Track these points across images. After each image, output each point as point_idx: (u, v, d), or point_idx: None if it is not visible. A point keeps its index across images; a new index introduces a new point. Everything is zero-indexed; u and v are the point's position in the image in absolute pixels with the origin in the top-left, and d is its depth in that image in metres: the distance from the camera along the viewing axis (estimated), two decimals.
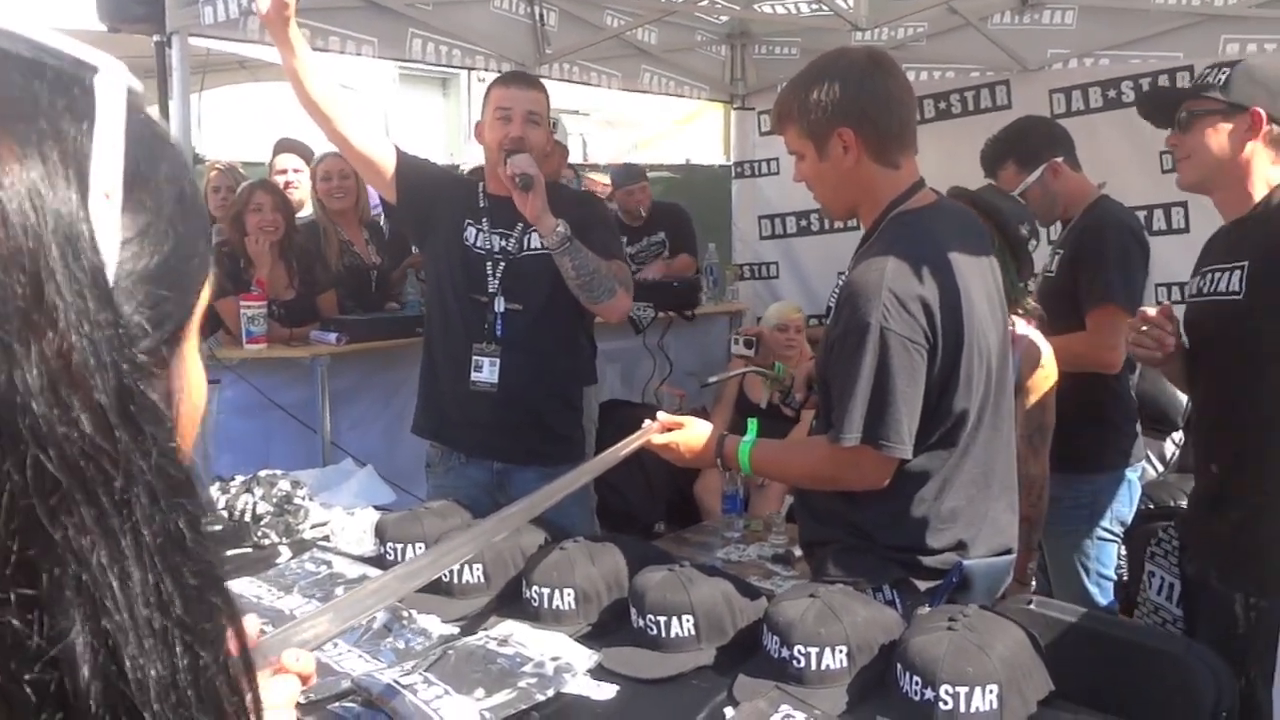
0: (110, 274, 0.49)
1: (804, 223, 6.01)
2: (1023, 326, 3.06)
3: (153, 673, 0.47)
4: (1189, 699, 1.76)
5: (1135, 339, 2.40)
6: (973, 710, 1.65)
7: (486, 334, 3.09)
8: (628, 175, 6.11)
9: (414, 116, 13.81)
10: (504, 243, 3.12)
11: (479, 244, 3.12)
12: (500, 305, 3.09)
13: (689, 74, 5.90)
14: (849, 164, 2.11)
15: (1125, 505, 3.33)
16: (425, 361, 3.31)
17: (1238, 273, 2.32)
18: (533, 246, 3.11)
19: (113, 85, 0.52)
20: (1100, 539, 3.29)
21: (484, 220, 3.14)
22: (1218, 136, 2.37)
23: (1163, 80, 4.69)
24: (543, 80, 5.17)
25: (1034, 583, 3.04)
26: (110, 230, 0.49)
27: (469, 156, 12.78)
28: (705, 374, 4.71)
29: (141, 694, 0.47)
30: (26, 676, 0.44)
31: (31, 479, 0.44)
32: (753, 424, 2.38)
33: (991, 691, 1.66)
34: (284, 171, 5.22)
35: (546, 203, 2.95)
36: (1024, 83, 5.20)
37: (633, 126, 17.10)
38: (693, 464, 2.45)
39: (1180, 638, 2.20)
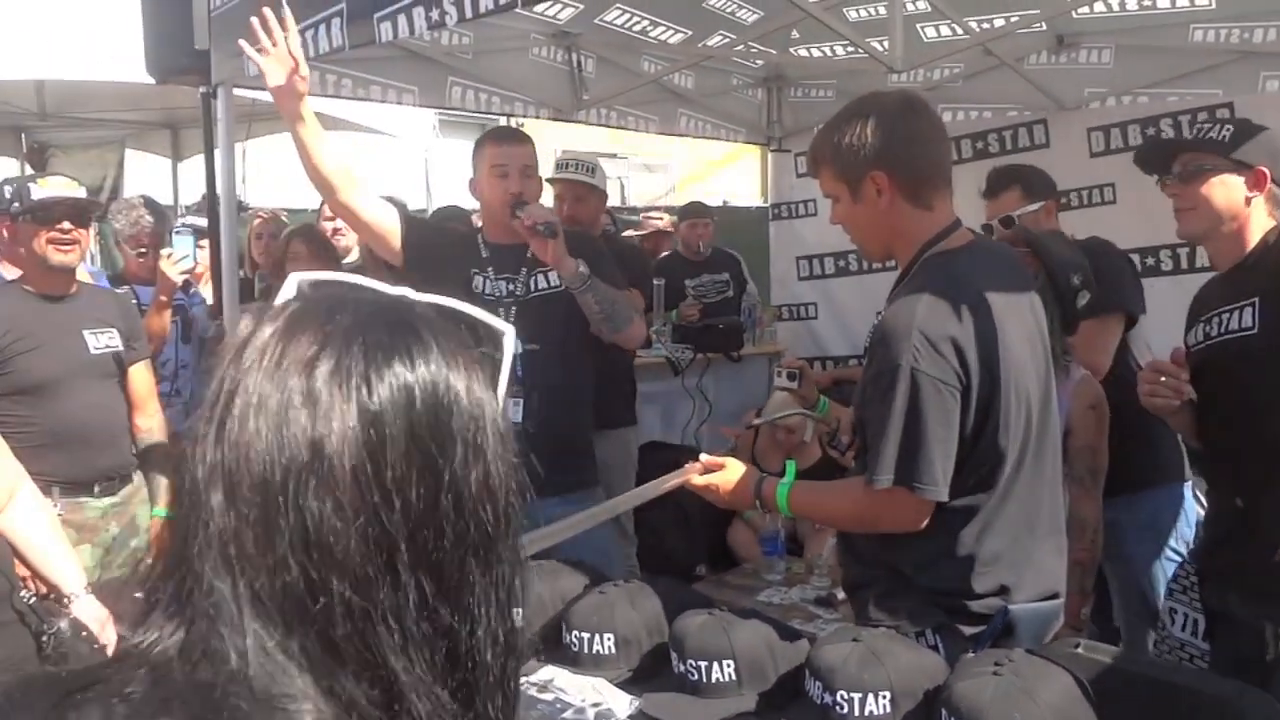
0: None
1: (842, 263, 6.00)
2: (1075, 368, 3.04)
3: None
4: None
5: (1150, 390, 2.39)
6: None
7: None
8: (692, 210, 6.51)
9: (452, 162, 14.01)
10: (511, 286, 3.24)
11: (488, 291, 3.22)
12: (518, 348, 3.11)
13: (725, 117, 5.93)
14: (883, 206, 2.12)
15: (1187, 523, 3.28)
16: None
17: (1249, 309, 2.39)
18: (539, 288, 3.25)
19: (509, 339, 0.88)
20: (1169, 559, 3.23)
21: (489, 268, 3.26)
22: (1224, 190, 2.44)
23: (1202, 117, 4.66)
24: (580, 124, 5.27)
25: (1086, 629, 2.99)
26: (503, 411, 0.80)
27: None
28: (745, 415, 4.71)
29: None
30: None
31: (453, 542, 0.73)
32: (790, 465, 2.37)
33: None
34: (332, 218, 5.29)
35: (565, 247, 3.08)
36: (1061, 121, 5.18)
37: (669, 170, 17.20)
38: (732, 505, 2.45)
39: (1233, 682, 2.15)
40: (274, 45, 2.76)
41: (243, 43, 2.82)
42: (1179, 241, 4.81)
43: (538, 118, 5.25)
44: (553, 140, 5.49)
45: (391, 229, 3.16)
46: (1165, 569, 3.21)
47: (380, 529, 0.70)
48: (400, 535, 0.70)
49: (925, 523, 2.05)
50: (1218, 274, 2.60)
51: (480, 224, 3.39)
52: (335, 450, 0.70)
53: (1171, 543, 3.25)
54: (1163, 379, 2.34)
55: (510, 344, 0.87)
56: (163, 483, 3.65)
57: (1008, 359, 2.04)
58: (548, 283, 3.24)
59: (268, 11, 2.76)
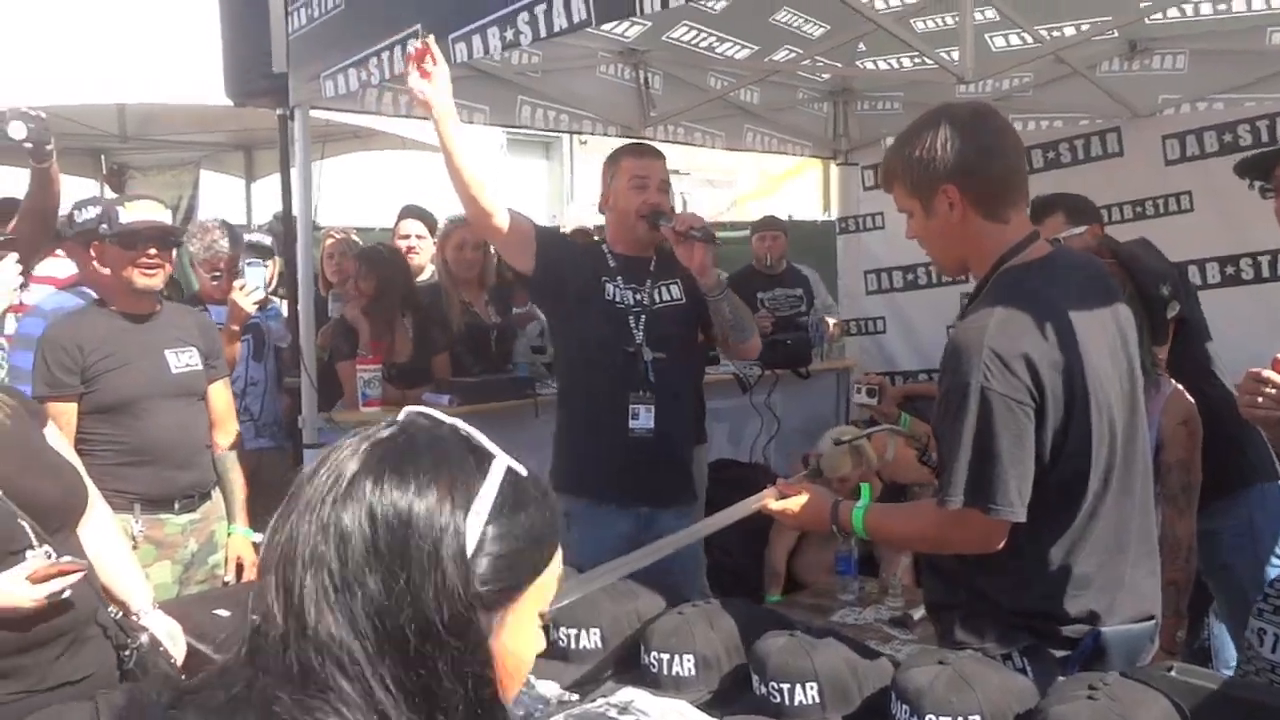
0: (469, 548, 0.95)
1: (910, 277, 5.94)
2: (1165, 383, 2.97)
3: None
4: None
5: (1250, 400, 2.30)
6: None
7: (640, 382, 3.28)
8: (764, 224, 6.53)
9: (519, 179, 14.14)
10: (638, 296, 3.36)
11: (619, 299, 3.34)
12: (648, 355, 3.29)
13: (791, 131, 5.91)
14: (955, 220, 2.09)
15: None
16: (566, 418, 3.47)
17: None
18: (663, 299, 3.38)
19: (500, 465, 1.01)
20: (1274, 566, 3.13)
21: (618, 278, 3.36)
22: None
23: None
24: (648, 141, 5.29)
25: (1181, 653, 2.91)
26: (476, 527, 0.96)
27: (569, 218, 12.97)
28: (814, 431, 4.66)
29: None
30: None
31: (415, 639, 0.92)
32: (865, 488, 2.34)
33: None
34: (407, 236, 5.36)
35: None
36: (1135, 129, 5.09)
37: (731, 185, 17.18)
38: (808, 528, 2.43)
39: None
40: (435, 65, 2.85)
41: (409, 78, 2.89)
42: (1259, 249, 4.73)
43: (606, 134, 5.27)
44: None
45: (527, 237, 3.27)
46: (1269, 575, 3.10)
47: (349, 613, 0.92)
48: (367, 619, 0.92)
49: (1001, 543, 2.00)
50: None
51: (607, 236, 3.51)
52: (328, 545, 0.94)
53: (1275, 548, 3.14)
54: (1268, 389, 2.26)
55: (499, 469, 1.01)
56: (239, 500, 3.71)
57: (1087, 374, 1.99)
58: (670, 295, 3.40)
59: (421, 42, 2.86)
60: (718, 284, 3.28)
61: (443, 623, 0.92)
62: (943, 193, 2.07)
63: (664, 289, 3.40)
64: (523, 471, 1.04)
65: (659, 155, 3.47)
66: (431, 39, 2.86)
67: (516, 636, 1.01)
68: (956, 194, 2.07)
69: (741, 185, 17.37)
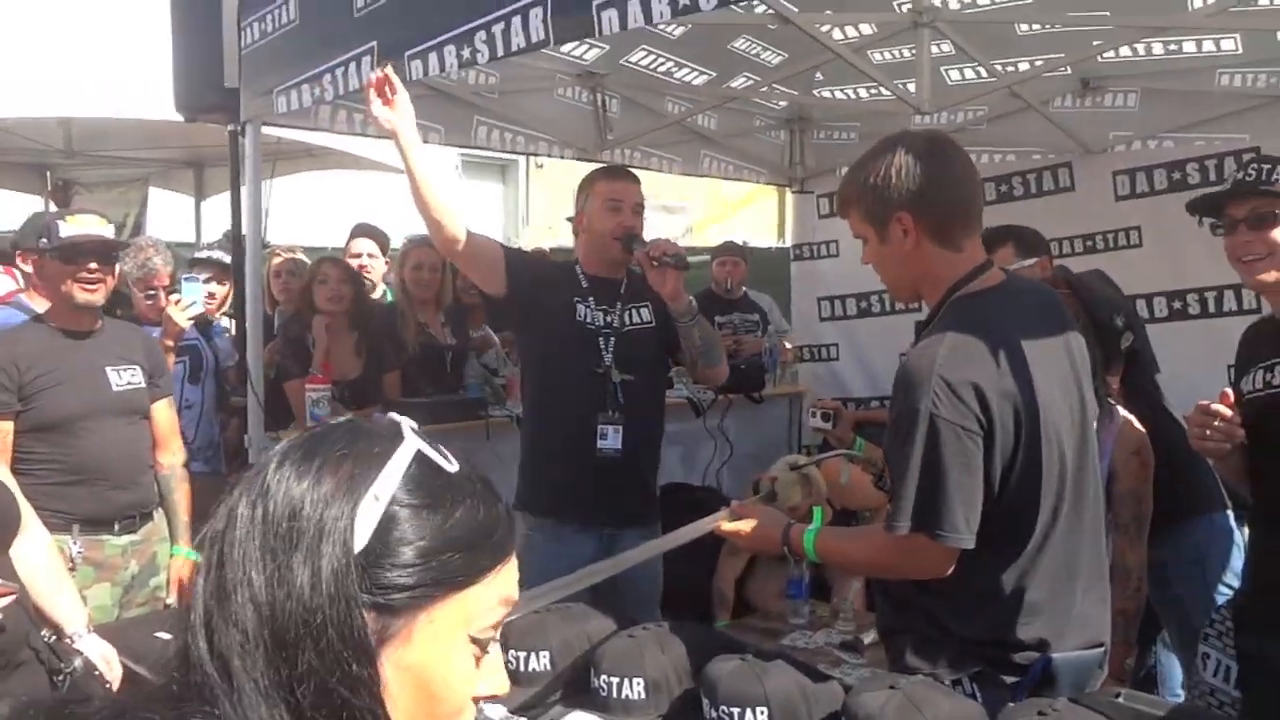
0: (358, 543, 0.87)
1: (864, 304, 5.97)
2: (1117, 413, 2.99)
3: None
4: None
5: (1200, 434, 2.32)
6: None
7: (609, 403, 3.30)
8: (725, 249, 6.72)
9: (474, 202, 14.10)
10: (608, 318, 3.39)
11: (589, 320, 3.36)
12: (616, 376, 3.32)
13: (748, 158, 5.94)
14: (909, 247, 2.10)
15: (1236, 554, 3.19)
16: (531, 438, 3.48)
17: None
18: (633, 321, 3.41)
19: (407, 448, 0.92)
20: (1222, 594, 3.14)
21: (590, 299, 3.39)
22: None
23: (1229, 162, 4.64)
24: (594, 162, 5.28)
25: (1130, 680, 2.92)
26: (370, 517, 0.88)
27: (524, 241, 12.94)
28: (767, 456, 4.65)
29: None
30: None
31: (294, 637, 0.86)
32: (818, 512, 2.34)
33: None
34: (359, 255, 5.32)
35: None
36: (1086, 165, 5.16)
37: (687, 211, 17.25)
38: (760, 550, 2.42)
39: None
40: (395, 93, 2.88)
41: (372, 106, 2.90)
42: (1206, 285, 4.80)
43: (562, 157, 5.26)
44: (575, 181, 5.50)
45: (495, 259, 3.29)
46: (1218, 603, 3.14)
47: (241, 610, 0.86)
48: (259, 603, 0.86)
49: (949, 570, 2.00)
50: (1274, 318, 2.53)
51: (579, 256, 3.52)
52: (228, 541, 0.89)
53: (1223, 577, 3.16)
54: (1216, 422, 2.29)
55: (410, 442, 0.93)
56: (183, 521, 3.63)
57: (1038, 403, 2.00)
58: (640, 318, 3.44)
59: (380, 70, 2.87)
60: (689, 309, 3.31)
61: (321, 621, 0.84)
62: (897, 220, 2.08)
63: (634, 311, 3.43)
64: (449, 465, 0.94)
65: (634, 179, 3.49)
66: (390, 68, 2.84)
67: (430, 654, 0.90)
68: (911, 221, 2.07)
69: (696, 211, 17.45)
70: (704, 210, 17.36)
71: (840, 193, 2.24)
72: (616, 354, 3.34)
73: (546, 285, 3.39)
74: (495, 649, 0.96)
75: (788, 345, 6.21)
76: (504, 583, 0.95)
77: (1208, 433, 2.29)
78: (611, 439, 3.29)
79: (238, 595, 0.86)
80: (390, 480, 0.90)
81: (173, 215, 8.65)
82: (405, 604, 0.88)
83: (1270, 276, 2.43)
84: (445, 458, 0.94)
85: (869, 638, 3.24)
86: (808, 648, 3.39)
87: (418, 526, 0.89)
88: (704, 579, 4.55)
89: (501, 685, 0.97)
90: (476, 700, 0.94)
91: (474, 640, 0.93)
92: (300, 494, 0.88)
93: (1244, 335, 2.63)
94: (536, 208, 16.32)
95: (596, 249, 3.42)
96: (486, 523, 0.94)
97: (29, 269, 3.44)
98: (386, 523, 0.88)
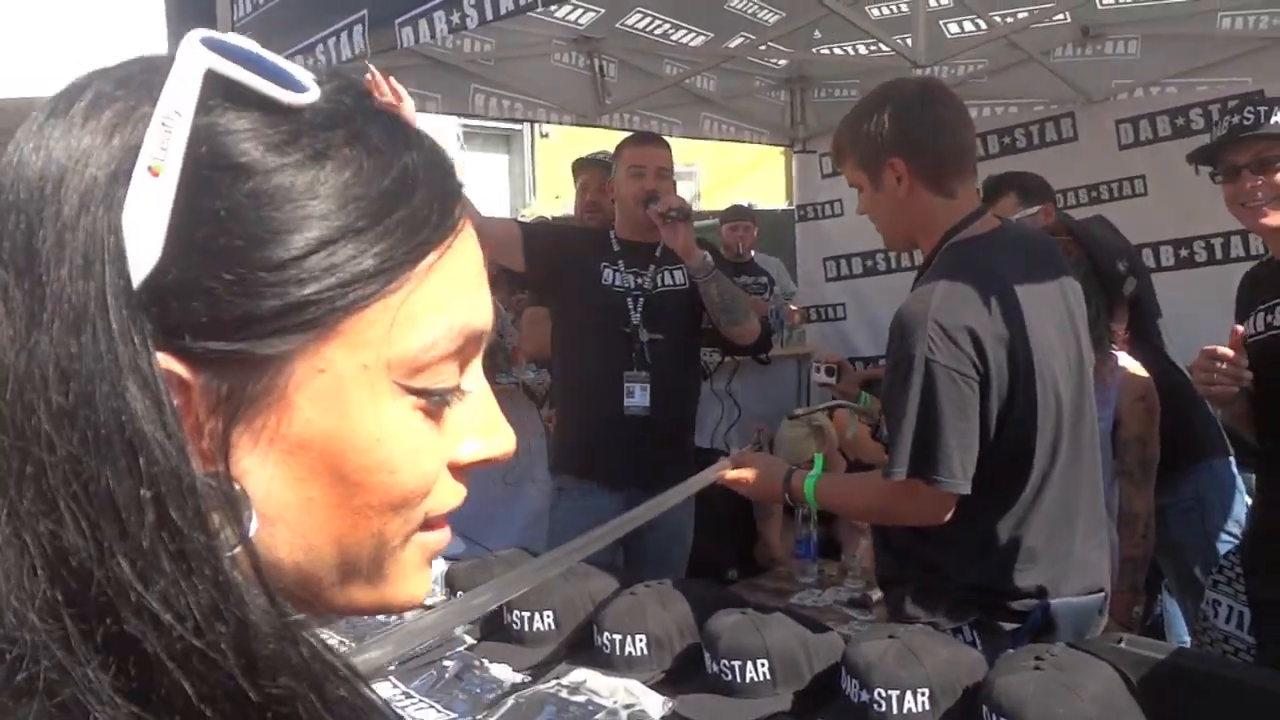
0: (143, 245, 0.47)
1: (869, 263, 5.95)
2: (1123, 357, 2.99)
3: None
4: None
5: (1206, 378, 2.31)
6: None
7: (635, 362, 3.38)
8: (735, 213, 6.75)
9: (479, 174, 14.06)
10: (639, 280, 3.47)
11: (617, 283, 3.45)
12: (644, 335, 3.38)
13: (749, 119, 5.91)
14: (902, 194, 2.10)
15: (1239, 501, 3.18)
16: (562, 401, 3.62)
17: None
18: (665, 283, 3.48)
19: (197, 60, 0.49)
20: (1224, 541, 3.14)
21: (619, 262, 3.48)
22: None
23: (1232, 106, 4.59)
24: (605, 129, 5.27)
25: (1138, 627, 2.93)
26: (158, 191, 0.47)
27: (532, 212, 12.91)
28: (775, 417, 4.66)
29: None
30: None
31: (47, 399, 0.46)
32: (819, 458, 2.35)
33: None
34: None
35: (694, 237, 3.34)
36: (1089, 114, 5.11)
37: (695, 176, 17.19)
38: (761, 497, 2.44)
39: None
40: (399, 98, 2.79)
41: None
42: (1213, 231, 4.77)
43: (560, 123, 5.25)
44: (580, 149, 5.49)
45: (512, 237, 3.39)
46: (1220, 550, 3.12)
47: None
48: None
49: (948, 515, 2.01)
50: (1273, 260, 2.51)
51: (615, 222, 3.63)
52: None
53: (1223, 524, 3.16)
54: (1222, 365, 2.28)
55: (196, 64, 0.49)
56: None
57: (1033, 348, 2.00)
58: (673, 280, 3.49)
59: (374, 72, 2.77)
60: (703, 265, 3.36)
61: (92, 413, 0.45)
62: (889, 166, 2.08)
63: (667, 274, 3.49)
64: (293, 94, 0.50)
65: (660, 144, 3.58)
66: (377, 72, 2.76)
67: (332, 418, 0.51)
68: (904, 167, 2.08)
69: (705, 177, 17.38)
70: (712, 176, 17.29)
71: (835, 142, 2.25)
72: (645, 315, 3.43)
73: (572, 252, 3.49)
74: (478, 398, 0.57)
75: (793, 308, 6.20)
76: (446, 286, 0.54)
77: (1214, 377, 2.28)
78: (639, 397, 3.36)
79: None
80: (178, 104, 0.48)
81: None
82: (263, 350, 0.49)
83: (1275, 220, 2.41)
84: (282, 78, 0.51)
85: (877, 595, 3.25)
86: (816, 606, 3.41)
87: (252, 200, 0.49)
88: (713, 539, 4.56)
89: (497, 445, 0.58)
90: (458, 471, 0.57)
91: (413, 391, 0.53)
92: (44, 158, 0.48)
93: (1244, 279, 2.62)
94: (543, 177, 16.27)
95: (625, 214, 3.52)
96: (387, 186, 0.52)
97: None
98: (194, 198, 0.47)
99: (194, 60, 0.49)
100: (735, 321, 3.50)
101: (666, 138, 5.73)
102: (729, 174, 16.83)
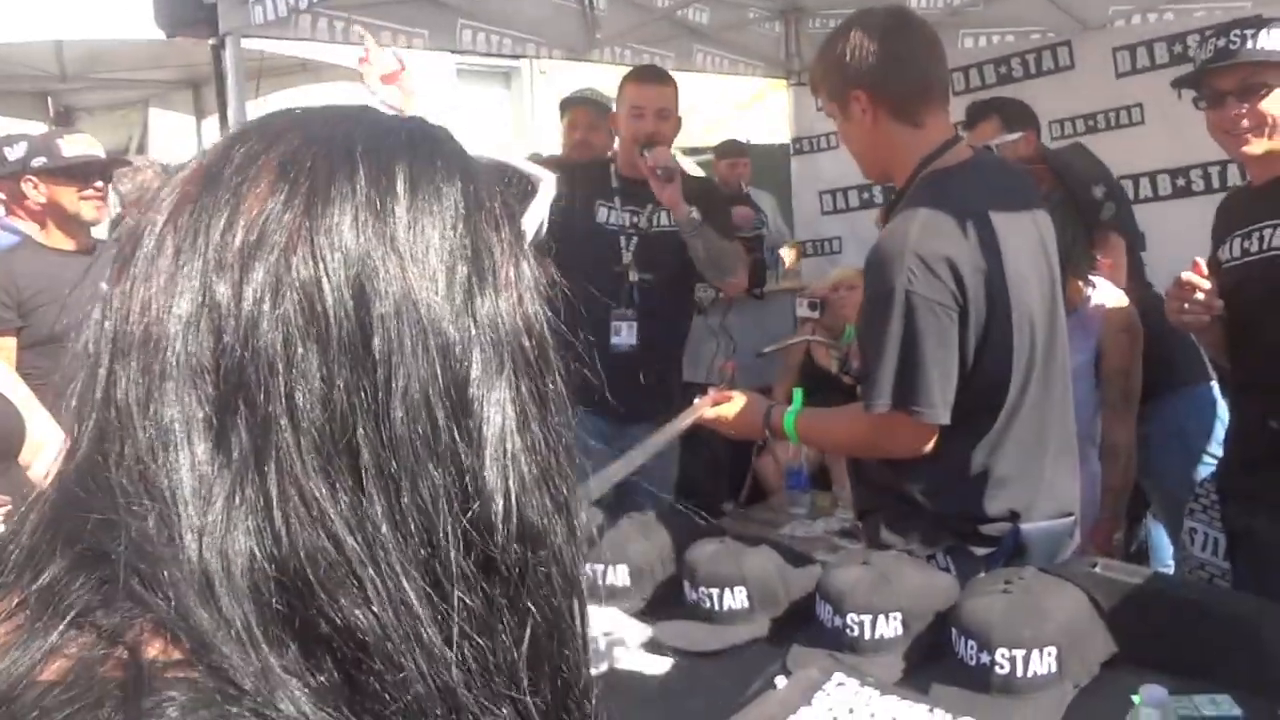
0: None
1: (865, 195, 5.90)
2: (1106, 287, 2.98)
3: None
4: (1261, 660, 1.69)
5: (1178, 307, 2.32)
6: (1030, 674, 1.62)
7: (624, 300, 3.40)
8: (730, 149, 6.79)
9: (477, 112, 13.93)
10: (635, 219, 3.47)
11: (611, 221, 3.46)
12: (634, 275, 3.41)
13: (744, 52, 5.83)
14: (869, 124, 2.10)
15: (1219, 426, 3.18)
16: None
17: None
18: (661, 224, 3.48)
19: (548, 186, 0.73)
20: (1206, 465, 3.15)
21: (616, 199, 3.50)
22: None
23: (1218, 29, 4.54)
24: (599, 64, 5.21)
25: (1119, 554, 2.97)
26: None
27: (537, 148, 12.79)
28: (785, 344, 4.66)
29: None
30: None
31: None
32: (798, 393, 2.36)
33: (1050, 654, 1.63)
34: None
35: (681, 192, 3.31)
36: (1086, 42, 5.04)
37: (694, 112, 17.03)
38: (742, 435, 2.45)
39: (1252, 599, 2.13)
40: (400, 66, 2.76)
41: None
42: (1210, 160, 4.71)
43: (550, 58, 5.19)
44: (575, 85, 5.45)
45: None
46: (1200, 475, 3.13)
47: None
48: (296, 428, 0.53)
49: (929, 447, 2.03)
50: (1251, 186, 2.50)
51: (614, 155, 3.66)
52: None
53: (1206, 447, 3.17)
54: (1197, 295, 2.28)
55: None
56: None
57: (1008, 277, 2.00)
58: (669, 220, 3.47)
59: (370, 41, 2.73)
60: (689, 220, 3.34)
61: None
62: (854, 98, 2.09)
63: (664, 214, 3.48)
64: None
65: (661, 81, 3.53)
66: (371, 42, 2.71)
67: None
68: (867, 99, 2.08)
69: (706, 114, 17.22)
70: (714, 112, 17.13)
71: (810, 73, 2.28)
72: (638, 254, 3.44)
73: (569, 188, 3.43)
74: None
75: (784, 251, 6.19)
76: None
77: (1186, 306, 2.29)
78: (625, 335, 3.39)
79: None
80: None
81: (175, 136, 8.60)
82: None
83: (1258, 148, 2.39)
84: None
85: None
86: (807, 536, 3.44)
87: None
88: (707, 470, 4.59)
89: None
90: None
91: None
92: (361, 248, 0.57)
93: (1221, 204, 2.61)
94: (543, 115, 16.11)
95: (626, 152, 3.51)
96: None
97: (32, 190, 3.44)
98: None
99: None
100: (721, 276, 3.52)
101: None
102: (730, 112, 16.68)
